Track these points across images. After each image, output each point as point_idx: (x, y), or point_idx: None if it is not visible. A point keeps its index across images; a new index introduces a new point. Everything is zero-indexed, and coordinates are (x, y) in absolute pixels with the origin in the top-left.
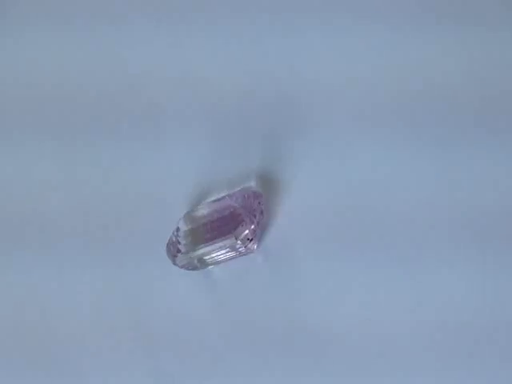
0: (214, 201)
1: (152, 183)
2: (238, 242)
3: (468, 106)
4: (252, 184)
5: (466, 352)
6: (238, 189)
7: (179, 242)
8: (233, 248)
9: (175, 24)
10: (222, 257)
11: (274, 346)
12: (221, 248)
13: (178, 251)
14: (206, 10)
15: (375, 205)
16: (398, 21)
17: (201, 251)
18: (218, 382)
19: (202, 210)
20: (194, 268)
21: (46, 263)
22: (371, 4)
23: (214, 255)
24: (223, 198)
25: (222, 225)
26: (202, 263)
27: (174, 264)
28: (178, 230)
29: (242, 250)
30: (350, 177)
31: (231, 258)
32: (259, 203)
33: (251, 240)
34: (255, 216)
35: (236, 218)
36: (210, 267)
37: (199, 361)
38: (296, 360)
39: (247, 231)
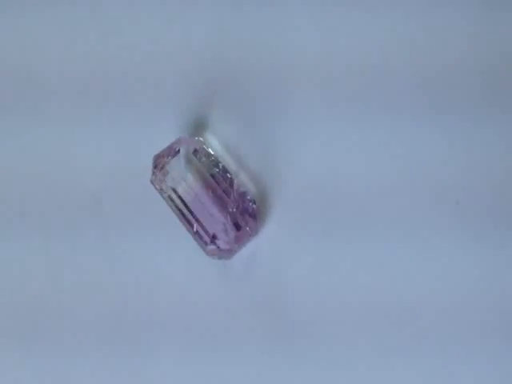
0: (218, 171)
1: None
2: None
3: (463, 89)
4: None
5: (467, 332)
6: (242, 189)
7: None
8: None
9: None
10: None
11: (264, 336)
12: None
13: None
14: None
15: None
16: None
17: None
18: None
19: (204, 164)
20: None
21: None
22: None
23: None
24: (226, 180)
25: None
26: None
27: (151, 181)
28: (176, 153)
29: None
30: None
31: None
32: (252, 221)
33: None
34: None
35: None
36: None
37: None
38: (284, 350)
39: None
